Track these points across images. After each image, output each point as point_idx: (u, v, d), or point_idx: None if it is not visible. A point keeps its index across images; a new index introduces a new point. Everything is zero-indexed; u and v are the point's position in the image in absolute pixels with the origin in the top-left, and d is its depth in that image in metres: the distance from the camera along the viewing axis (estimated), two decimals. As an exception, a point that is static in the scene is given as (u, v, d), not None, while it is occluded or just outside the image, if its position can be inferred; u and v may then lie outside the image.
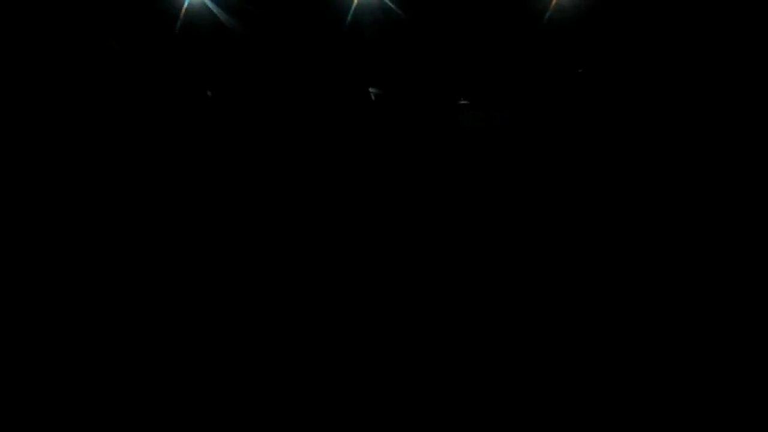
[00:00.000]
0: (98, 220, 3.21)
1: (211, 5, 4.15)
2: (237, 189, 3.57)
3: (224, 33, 4.13)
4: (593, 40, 3.88)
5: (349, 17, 4.09)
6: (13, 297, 2.78)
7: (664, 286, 2.62)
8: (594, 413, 2.17)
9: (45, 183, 3.33)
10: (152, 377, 2.44)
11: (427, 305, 2.55)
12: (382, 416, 2.19)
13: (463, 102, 3.91)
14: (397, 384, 2.29)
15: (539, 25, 4.00)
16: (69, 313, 2.80)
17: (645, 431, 2.12)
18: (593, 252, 2.86)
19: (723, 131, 3.38)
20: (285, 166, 3.71)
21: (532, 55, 3.98)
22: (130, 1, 4.07)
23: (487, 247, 2.98)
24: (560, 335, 2.42)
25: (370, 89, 3.97)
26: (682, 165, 3.34)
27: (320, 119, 3.89)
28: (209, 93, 4.04)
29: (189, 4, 4.09)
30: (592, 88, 3.85)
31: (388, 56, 4.08)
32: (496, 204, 3.36)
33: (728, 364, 2.28)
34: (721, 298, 2.55)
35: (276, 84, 4.08)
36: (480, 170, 3.66)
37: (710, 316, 2.49)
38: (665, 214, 3.05)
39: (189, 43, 4.18)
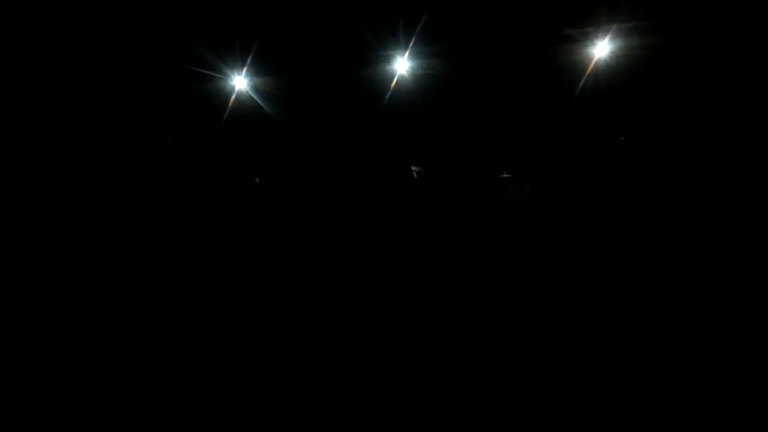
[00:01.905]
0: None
1: (255, 96, 4.42)
2: (291, 273, 3.62)
3: (269, 121, 4.37)
4: (632, 108, 3.93)
5: (386, 99, 4.28)
6: (12, 295, 2.90)
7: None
8: (591, 413, 2.20)
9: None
10: (152, 375, 2.48)
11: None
12: (379, 415, 2.22)
13: (505, 175, 3.96)
14: (395, 383, 2.38)
15: (573, 96, 4.11)
16: (70, 310, 2.90)
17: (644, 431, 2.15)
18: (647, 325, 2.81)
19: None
20: (333, 248, 3.77)
21: (570, 125, 4.05)
22: (180, 98, 4.36)
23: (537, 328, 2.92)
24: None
25: (412, 168, 4.06)
26: (735, 234, 3.27)
27: (366, 200, 3.98)
28: (257, 180, 4.20)
29: (235, 98, 4.38)
30: (636, 156, 3.85)
31: (426, 135, 4.22)
32: (542, 277, 3.33)
33: (727, 364, 2.38)
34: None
35: (320, 166, 4.23)
36: (525, 244, 3.64)
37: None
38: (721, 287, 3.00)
39: (236, 133, 4.43)
